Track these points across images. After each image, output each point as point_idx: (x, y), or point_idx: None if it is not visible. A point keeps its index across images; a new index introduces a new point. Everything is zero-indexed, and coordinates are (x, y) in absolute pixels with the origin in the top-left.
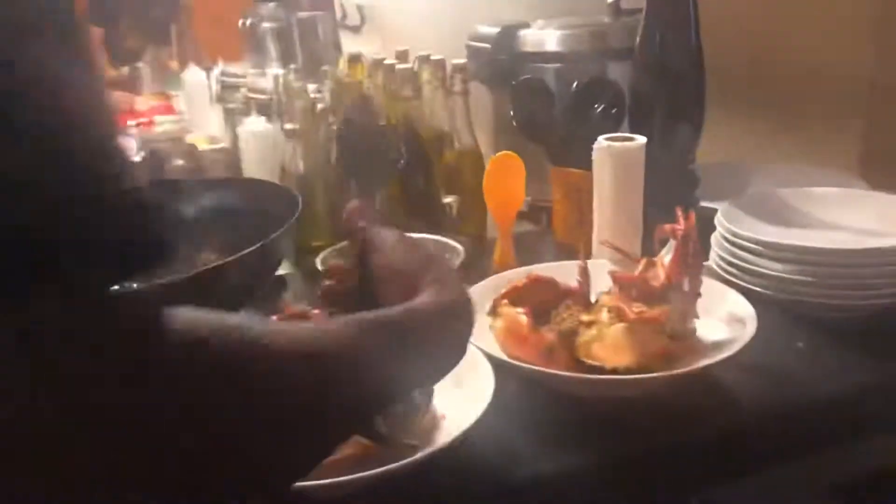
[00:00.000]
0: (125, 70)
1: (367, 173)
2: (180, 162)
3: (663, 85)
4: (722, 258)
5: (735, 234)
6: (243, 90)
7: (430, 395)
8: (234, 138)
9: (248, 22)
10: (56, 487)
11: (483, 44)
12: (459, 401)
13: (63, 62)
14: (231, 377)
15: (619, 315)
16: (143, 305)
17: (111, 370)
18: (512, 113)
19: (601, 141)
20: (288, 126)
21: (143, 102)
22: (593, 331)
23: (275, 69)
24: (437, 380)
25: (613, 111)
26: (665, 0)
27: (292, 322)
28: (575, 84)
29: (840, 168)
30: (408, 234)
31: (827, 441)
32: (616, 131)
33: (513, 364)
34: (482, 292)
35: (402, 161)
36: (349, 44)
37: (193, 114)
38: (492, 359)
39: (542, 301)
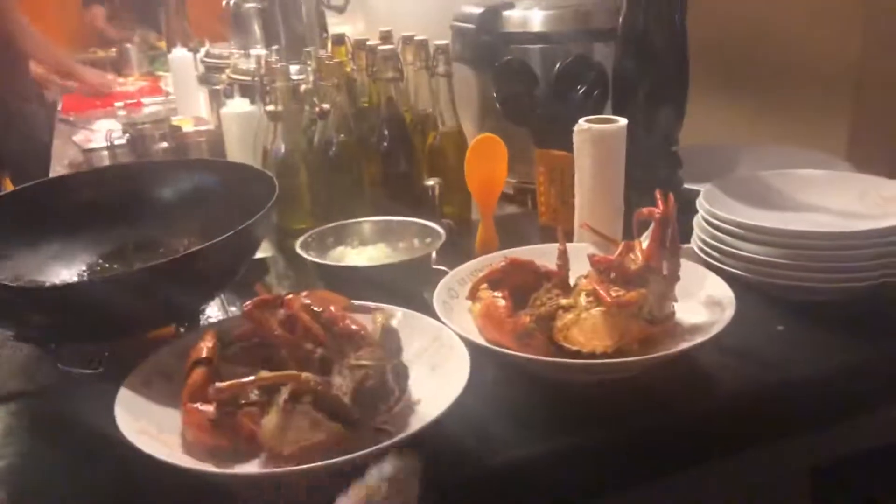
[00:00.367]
0: (112, 51)
1: None
2: (164, 144)
3: (646, 66)
4: (703, 241)
5: (716, 217)
6: (227, 71)
7: (404, 380)
8: (219, 119)
9: (233, 2)
10: None
11: (467, 24)
12: (435, 385)
13: None
14: None
15: (596, 299)
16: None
17: None
18: (495, 94)
19: (582, 123)
20: (269, 108)
21: (131, 84)
22: (571, 315)
23: (258, 50)
24: None
25: (596, 92)
26: None
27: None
28: (558, 65)
29: (826, 150)
30: None
31: (807, 424)
32: (600, 113)
33: (489, 348)
34: (462, 275)
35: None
36: (333, 24)
37: (180, 95)
38: (468, 343)
39: (521, 284)
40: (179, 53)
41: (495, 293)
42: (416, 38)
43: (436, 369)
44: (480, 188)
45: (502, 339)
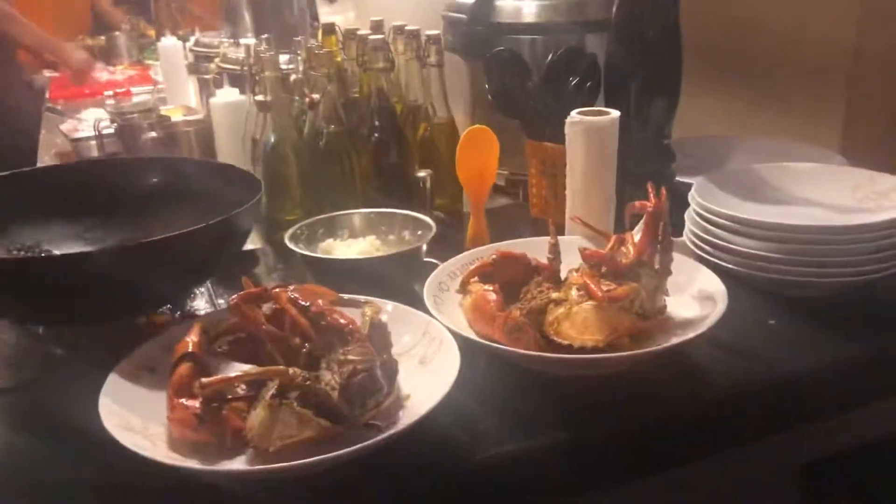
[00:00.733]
0: (101, 39)
1: None
2: (153, 134)
3: (639, 57)
4: (695, 234)
5: (708, 210)
6: (216, 61)
7: (394, 375)
8: (209, 109)
9: None
10: None
11: (459, 14)
12: (425, 380)
13: None
14: None
15: (587, 293)
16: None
17: None
18: (486, 85)
19: (574, 115)
20: (259, 98)
21: (120, 72)
22: (562, 309)
23: (248, 39)
24: None
25: (588, 84)
26: None
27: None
28: (550, 56)
29: (820, 143)
30: None
31: (798, 418)
32: (592, 104)
33: (480, 342)
34: (453, 269)
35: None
36: (324, 14)
37: (170, 84)
38: (459, 337)
39: (511, 278)
40: (169, 42)
41: (486, 287)
42: (407, 27)
43: (426, 364)
44: (472, 180)
45: (493, 333)
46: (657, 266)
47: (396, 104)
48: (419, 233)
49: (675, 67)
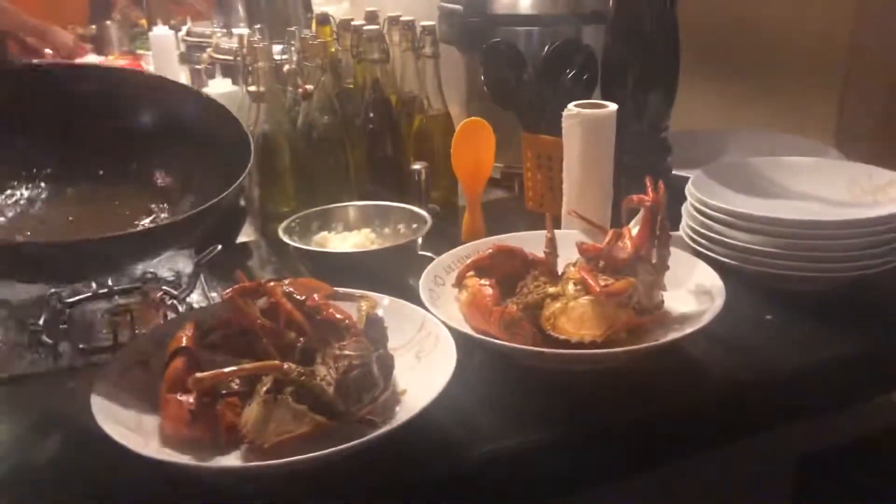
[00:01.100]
0: (93, 28)
1: None
2: None
3: (636, 50)
4: (692, 228)
5: (705, 204)
6: (209, 51)
7: (389, 369)
8: None
9: None
10: None
11: (455, 5)
12: (421, 375)
13: None
14: None
15: (584, 287)
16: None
17: None
18: (482, 77)
19: (571, 108)
20: (252, 88)
21: (111, 63)
22: (559, 303)
23: (241, 29)
24: None
25: (585, 76)
26: None
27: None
28: (546, 48)
29: (815, 136)
30: None
31: (795, 413)
32: (588, 97)
33: (476, 337)
34: (449, 263)
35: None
36: (318, 4)
37: (162, 74)
38: (455, 332)
39: (508, 272)
40: (161, 31)
41: (482, 281)
42: (402, 18)
43: (422, 358)
44: (467, 173)
45: (489, 327)
46: (654, 261)
47: (391, 96)
48: (414, 226)
49: (671, 60)
